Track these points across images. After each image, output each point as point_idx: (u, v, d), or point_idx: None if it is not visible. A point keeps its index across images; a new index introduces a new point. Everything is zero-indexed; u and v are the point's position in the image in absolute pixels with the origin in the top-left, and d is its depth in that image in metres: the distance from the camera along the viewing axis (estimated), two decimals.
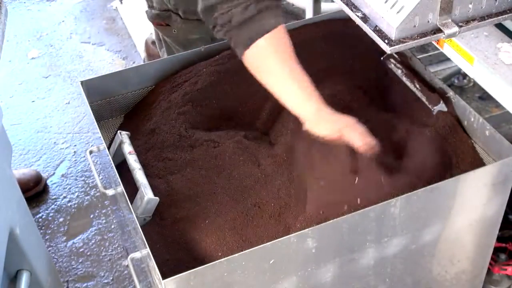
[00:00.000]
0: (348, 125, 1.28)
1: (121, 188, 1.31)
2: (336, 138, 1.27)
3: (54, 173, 2.41)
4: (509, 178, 1.33)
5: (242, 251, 1.17)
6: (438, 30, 1.10)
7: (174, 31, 1.89)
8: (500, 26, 1.43)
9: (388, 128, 1.43)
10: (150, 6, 1.92)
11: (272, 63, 1.27)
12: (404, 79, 1.56)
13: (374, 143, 1.28)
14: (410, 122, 1.46)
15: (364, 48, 1.66)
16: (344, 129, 1.27)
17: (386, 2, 1.09)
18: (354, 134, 1.27)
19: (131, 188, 1.31)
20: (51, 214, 2.25)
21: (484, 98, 2.42)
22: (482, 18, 1.13)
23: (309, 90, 1.28)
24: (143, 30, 2.93)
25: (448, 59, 1.59)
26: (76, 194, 2.32)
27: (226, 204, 1.31)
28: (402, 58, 1.61)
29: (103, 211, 2.24)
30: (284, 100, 1.30)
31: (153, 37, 2.44)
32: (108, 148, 1.42)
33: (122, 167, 1.36)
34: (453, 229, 1.39)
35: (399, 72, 1.58)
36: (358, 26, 1.17)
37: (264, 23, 1.25)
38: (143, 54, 2.77)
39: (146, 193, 1.27)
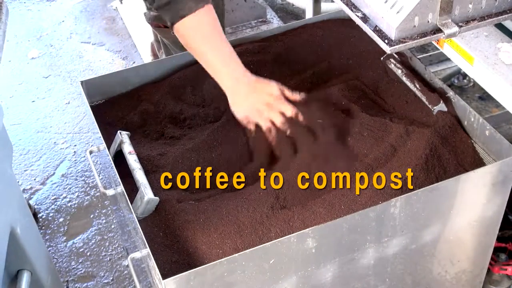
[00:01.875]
0: (257, 109, 1.42)
1: (121, 188, 1.31)
2: (246, 124, 1.44)
3: (54, 173, 2.41)
4: (509, 178, 1.33)
5: (242, 251, 1.17)
6: (438, 30, 1.10)
7: (172, 32, 1.89)
8: (500, 26, 1.43)
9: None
10: (148, 8, 1.92)
11: (194, 41, 1.43)
12: (404, 79, 1.56)
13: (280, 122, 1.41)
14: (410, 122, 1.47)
15: (364, 48, 1.66)
16: (251, 115, 1.42)
17: (386, 2, 1.09)
18: (260, 119, 1.42)
19: (131, 188, 1.31)
20: (51, 214, 2.25)
21: (484, 98, 2.42)
22: (482, 18, 1.13)
23: (230, 66, 1.43)
24: (143, 30, 2.93)
25: (448, 59, 1.59)
26: (76, 194, 2.32)
27: (226, 203, 1.31)
28: (402, 58, 1.61)
29: (103, 211, 2.24)
30: (210, 74, 1.45)
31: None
32: (108, 148, 1.42)
33: (122, 167, 1.36)
34: (453, 229, 1.39)
35: (399, 72, 1.58)
36: (358, 26, 1.17)
37: (181, 7, 1.39)
38: (149, 57, 2.76)
39: (146, 193, 1.27)
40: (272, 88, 1.44)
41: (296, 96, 1.45)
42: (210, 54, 1.43)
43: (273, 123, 1.41)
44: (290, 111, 1.41)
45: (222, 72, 1.43)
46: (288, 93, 1.45)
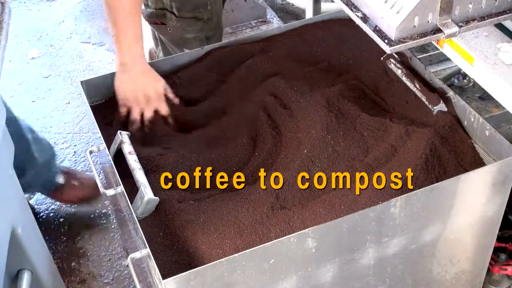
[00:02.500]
0: (137, 98, 1.50)
1: (121, 188, 1.31)
2: (122, 104, 1.52)
3: None
4: (509, 178, 1.33)
5: (242, 251, 1.17)
6: (438, 30, 1.10)
7: (170, 29, 1.89)
8: (500, 26, 1.43)
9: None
10: (146, 5, 1.92)
11: (118, 14, 1.50)
12: (404, 79, 1.56)
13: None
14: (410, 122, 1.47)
15: (364, 48, 1.66)
16: (129, 99, 1.51)
17: (386, 2, 1.09)
18: (135, 107, 1.51)
19: (131, 188, 1.31)
20: (51, 214, 2.25)
21: (484, 98, 2.42)
22: (482, 18, 1.13)
23: (136, 45, 1.51)
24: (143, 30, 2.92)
25: (448, 59, 1.59)
26: None
27: (226, 203, 1.31)
28: (402, 58, 1.61)
29: (103, 211, 2.24)
30: (115, 45, 1.55)
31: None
32: (108, 148, 1.42)
33: (122, 167, 1.36)
34: (453, 229, 1.39)
35: (399, 72, 1.58)
36: (358, 26, 1.17)
37: None
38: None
39: (146, 193, 1.27)
40: (159, 83, 1.53)
41: (176, 100, 1.54)
42: (128, 29, 1.50)
43: (142, 116, 1.52)
44: (165, 111, 1.52)
45: (124, 48, 1.51)
46: (170, 94, 1.54)
